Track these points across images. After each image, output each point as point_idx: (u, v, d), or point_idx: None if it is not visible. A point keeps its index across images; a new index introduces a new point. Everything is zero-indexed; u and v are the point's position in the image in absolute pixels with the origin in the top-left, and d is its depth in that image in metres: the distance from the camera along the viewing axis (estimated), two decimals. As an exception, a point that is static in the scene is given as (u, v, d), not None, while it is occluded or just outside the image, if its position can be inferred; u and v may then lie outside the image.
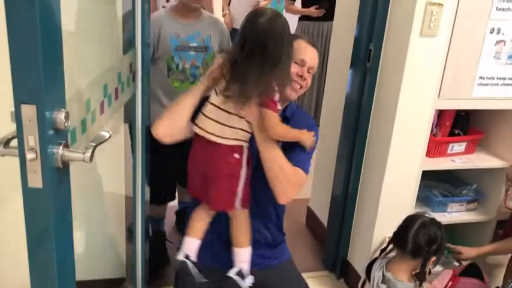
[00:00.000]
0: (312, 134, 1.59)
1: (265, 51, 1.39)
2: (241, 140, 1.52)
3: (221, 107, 1.45)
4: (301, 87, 1.66)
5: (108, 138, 0.96)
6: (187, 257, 1.62)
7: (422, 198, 2.35)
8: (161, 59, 2.11)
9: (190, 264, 1.61)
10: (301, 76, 1.63)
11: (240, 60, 1.41)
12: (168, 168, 2.03)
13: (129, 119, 1.73)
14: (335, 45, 2.66)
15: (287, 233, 1.93)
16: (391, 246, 1.92)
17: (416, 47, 1.86)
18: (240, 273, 1.64)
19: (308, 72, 1.65)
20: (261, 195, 1.64)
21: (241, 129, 1.49)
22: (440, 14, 1.83)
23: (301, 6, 4.41)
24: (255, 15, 1.44)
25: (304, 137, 1.57)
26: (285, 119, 1.72)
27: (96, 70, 1.24)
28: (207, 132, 1.47)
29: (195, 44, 2.16)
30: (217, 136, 1.48)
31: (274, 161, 1.53)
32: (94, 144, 0.91)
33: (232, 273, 1.62)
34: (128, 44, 1.60)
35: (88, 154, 0.89)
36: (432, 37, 1.85)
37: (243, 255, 1.66)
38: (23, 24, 0.75)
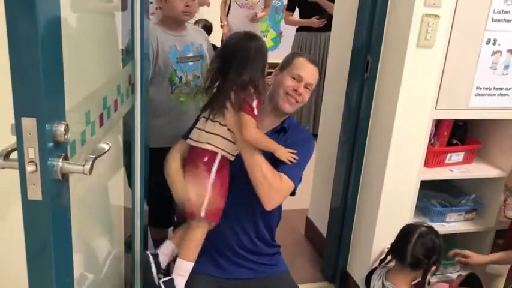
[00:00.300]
0: (288, 151, 1.67)
1: (232, 64, 1.60)
2: (217, 147, 1.65)
3: (209, 117, 1.67)
4: (296, 101, 1.74)
5: (107, 151, 0.96)
6: (155, 255, 1.73)
7: (421, 208, 2.35)
8: (162, 75, 2.08)
9: (152, 261, 1.71)
10: (296, 91, 1.73)
11: (214, 73, 1.68)
12: (165, 190, 2.02)
13: (128, 131, 1.72)
14: (333, 56, 2.68)
15: (285, 243, 1.94)
16: (389, 257, 1.92)
17: (413, 58, 1.87)
18: (170, 284, 1.68)
19: (306, 87, 1.75)
20: (248, 205, 1.70)
21: (219, 135, 1.65)
22: (436, 25, 1.84)
23: (299, 17, 4.44)
24: (229, 37, 1.70)
25: (280, 151, 1.65)
26: (282, 130, 1.75)
27: (96, 82, 1.24)
28: (189, 138, 1.71)
29: (191, 54, 2.17)
30: (194, 140, 1.69)
31: (256, 167, 1.62)
32: (93, 156, 0.92)
33: (161, 280, 1.68)
34: (127, 56, 1.61)
35: (87, 166, 0.89)
36: (429, 48, 1.87)
37: (183, 268, 1.70)
38: (23, 37, 0.76)
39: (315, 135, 2.87)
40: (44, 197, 0.85)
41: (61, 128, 0.85)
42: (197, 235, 1.72)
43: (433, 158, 2.21)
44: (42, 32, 0.77)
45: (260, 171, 1.61)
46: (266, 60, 1.66)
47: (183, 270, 1.70)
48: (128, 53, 1.60)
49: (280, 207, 1.88)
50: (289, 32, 7.21)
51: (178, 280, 1.68)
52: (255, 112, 1.61)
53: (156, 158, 1.88)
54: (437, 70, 1.92)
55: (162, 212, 2.32)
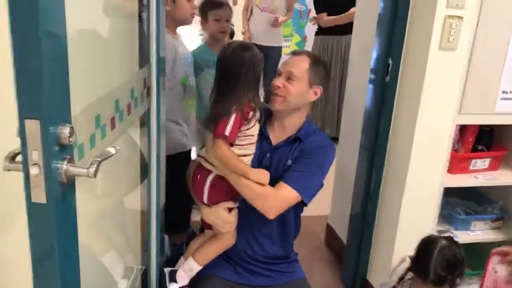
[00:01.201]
0: (264, 173, 1.61)
1: (223, 76, 1.59)
2: (211, 164, 1.66)
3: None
4: (279, 95, 1.68)
5: (113, 154, 0.95)
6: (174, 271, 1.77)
7: (445, 216, 2.28)
8: (176, 81, 2.10)
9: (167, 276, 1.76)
10: (277, 86, 1.69)
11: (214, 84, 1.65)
12: (182, 194, 2.04)
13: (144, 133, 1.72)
14: (353, 59, 2.63)
15: (305, 249, 1.92)
16: (410, 274, 1.85)
17: (436, 61, 1.81)
18: (172, 275, 1.75)
19: (289, 79, 1.67)
20: (262, 215, 1.65)
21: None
22: (460, 27, 1.79)
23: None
24: (224, 47, 1.66)
25: (253, 174, 1.59)
26: (297, 139, 1.71)
27: (108, 85, 1.24)
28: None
29: (189, 59, 2.30)
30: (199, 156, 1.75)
31: (243, 187, 1.60)
32: (99, 159, 0.91)
33: (167, 269, 1.76)
34: (143, 59, 1.60)
35: (92, 169, 0.88)
36: (452, 50, 1.81)
37: (189, 266, 1.75)
38: (25, 38, 0.75)
39: (337, 139, 2.83)
40: (48, 200, 0.84)
41: (66, 130, 0.84)
42: (216, 247, 1.74)
43: (457, 164, 2.13)
44: (45, 33, 0.76)
45: (248, 189, 1.60)
46: (259, 72, 1.60)
47: (188, 268, 1.74)
48: (143, 56, 1.60)
49: (298, 218, 1.85)
50: (313, 37, 7.20)
51: (181, 274, 1.73)
52: (227, 130, 1.54)
53: (172, 164, 1.89)
54: (460, 73, 1.86)
55: (179, 216, 2.32)
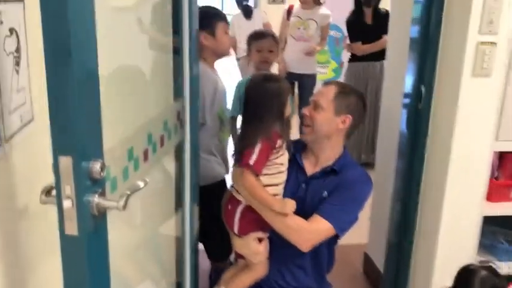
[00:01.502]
0: (290, 203, 1.59)
1: (247, 111, 1.65)
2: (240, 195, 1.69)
3: None
4: (308, 126, 1.72)
5: (142, 188, 0.98)
6: None
7: (488, 246, 2.20)
8: (214, 115, 2.15)
9: None
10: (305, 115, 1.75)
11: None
12: (222, 224, 2.05)
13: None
14: (387, 86, 2.62)
15: (342, 279, 1.90)
16: None
17: (469, 88, 1.79)
18: None
19: (316, 107, 1.71)
20: (294, 247, 1.65)
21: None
22: (494, 53, 1.76)
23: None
24: (250, 78, 1.74)
25: (276, 206, 1.58)
26: (332, 171, 1.70)
27: (141, 118, 1.29)
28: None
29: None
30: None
31: (275, 221, 1.60)
32: (128, 192, 0.94)
33: None
34: (177, 92, 1.66)
35: (121, 203, 0.91)
36: (486, 77, 1.78)
37: None
38: (59, 79, 0.80)
39: (372, 165, 2.80)
40: (80, 232, 0.88)
41: (97, 165, 0.88)
42: (248, 277, 1.75)
43: (496, 191, 2.06)
44: (78, 77, 0.81)
45: (281, 223, 1.60)
46: (283, 102, 1.62)
47: None
48: (177, 89, 1.66)
49: (332, 250, 1.84)
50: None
51: None
52: (252, 159, 1.56)
53: (211, 194, 1.92)
54: (496, 99, 1.83)
55: (220, 245, 2.34)
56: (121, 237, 1.39)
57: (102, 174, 0.90)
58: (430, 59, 1.94)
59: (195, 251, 1.87)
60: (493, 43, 1.75)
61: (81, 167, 0.85)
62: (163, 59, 1.60)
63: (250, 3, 6.03)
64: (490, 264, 1.72)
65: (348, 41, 4.44)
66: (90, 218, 0.90)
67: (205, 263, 2.50)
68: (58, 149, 0.84)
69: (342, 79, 6.50)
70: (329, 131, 1.71)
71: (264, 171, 1.61)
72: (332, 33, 6.73)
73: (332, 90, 1.71)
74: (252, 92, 1.64)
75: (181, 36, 1.59)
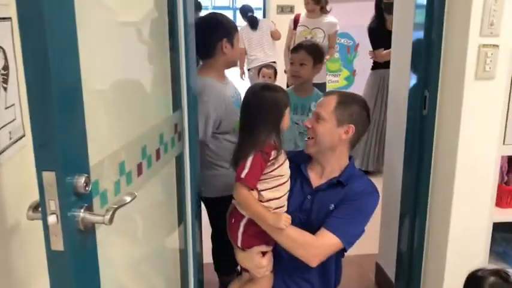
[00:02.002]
0: (284, 217, 1.56)
1: (243, 120, 1.64)
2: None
3: None
4: (311, 138, 1.70)
5: (128, 202, 0.97)
6: None
7: (500, 253, 2.14)
8: (227, 127, 2.11)
9: None
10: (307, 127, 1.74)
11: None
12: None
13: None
14: (392, 93, 2.59)
15: None
16: None
17: (472, 91, 1.75)
18: None
19: (318, 119, 1.69)
20: (301, 261, 1.62)
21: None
22: (496, 55, 1.73)
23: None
24: (249, 88, 1.71)
25: (271, 220, 1.56)
26: (339, 184, 1.67)
27: (134, 132, 1.29)
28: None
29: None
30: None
31: (281, 237, 1.58)
32: (115, 206, 0.94)
33: None
34: (174, 105, 1.66)
35: (107, 217, 0.91)
36: (490, 80, 1.75)
37: None
38: (39, 90, 0.80)
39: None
40: (66, 248, 0.87)
41: (81, 180, 0.88)
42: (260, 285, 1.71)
43: (506, 197, 2.01)
44: (57, 86, 0.81)
45: (287, 239, 1.58)
46: (279, 114, 1.59)
47: None
48: (174, 102, 1.65)
49: (339, 262, 1.81)
50: (362, 70, 7.16)
51: None
52: (243, 172, 1.55)
53: (219, 205, 1.91)
54: (501, 102, 1.79)
55: (226, 257, 2.32)
56: (123, 252, 1.39)
57: (87, 188, 0.89)
58: (433, 64, 1.91)
59: (199, 265, 1.86)
60: (495, 45, 1.71)
61: (65, 182, 0.85)
62: (159, 70, 1.60)
63: (259, 13, 6.06)
64: (499, 269, 1.67)
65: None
66: (76, 232, 0.89)
67: (215, 277, 2.48)
68: (41, 164, 0.84)
69: (356, 87, 6.48)
70: (332, 142, 1.68)
71: (264, 185, 1.59)
72: (343, 41, 6.72)
73: (333, 100, 1.67)
74: (248, 100, 1.62)
75: (177, 47, 1.59)
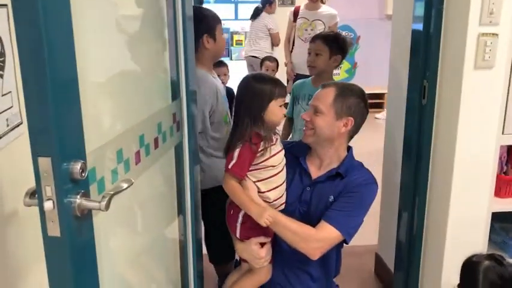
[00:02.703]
0: (266, 212, 1.55)
1: (234, 110, 1.63)
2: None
3: None
4: (310, 129, 1.68)
5: (125, 189, 0.98)
6: None
7: (499, 243, 2.14)
8: (219, 119, 2.13)
9: None
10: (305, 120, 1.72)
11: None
12: (225, 226, 2.05)
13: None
14: (391, 83, 2.59)
15: (354, 280, 1.86)
16: None
17: (471, 81, 1.75)
18: None
19: (316, 112, 1.67)
20: (301, 253, 1.62)
21: None
22: (496, 44, 1.72)
23: None
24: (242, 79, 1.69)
25: (253, 213, 1.56)
26: (338, 175, 1.67)
27: (132, 120, 1.28)
28: None
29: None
30: None
31: (281, 228, 1.58)
32: (112, 193, 0.94)
33: None
34: (173, 94, 1.65)
35: (104, 203, 0.91)
36: (489, 69, 1.74)
37: None
38: (33, 75, 0.80)
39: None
40: (63, 234, 0.88)
41: (77, 166, 0.88)
42: (251, 282, 1.73)
43: (506, 187, 2.01)
44: (52, 71, 0.80)
45: (288, 232, 1.58)
46: (262, 104, 1.57)
47: None
48: (173, 91, 1.65)
49: (339, 254, 1.82)
50: (363, 63, 7.14)
51: None
52: (231, 163, 1.57)
53: (215, 195, 1.91)
54: (500, 92, 1.78)
55: (222, 247, 2.33)
56: (122, 240, 1.39)
57: (83, 174, 0.90)
58: (432, 53, 1.90)
59: (198, 255, 1.86)
60: (494, 34, 1.71)
61: (61, 167, 0.85)
62: (158, 59, 1.60)
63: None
64: (493, 254, 1.67)
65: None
66: (73, 219, 0.89)
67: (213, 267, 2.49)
68: (37, 150, 0.84)
69: (357, 80, 6.47)
70: (331, 135, 1.67)
71: (257, 176, 1.59)
72: (344, 33, 6.70)
73: (331, 93, 1.65)
74: (238, 90, 1.62)
75: (176, 37, 1.59)
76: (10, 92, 1.02)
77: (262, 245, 1.67)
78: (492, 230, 2.02)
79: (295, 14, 4.46)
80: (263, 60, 4.45)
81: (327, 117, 1.64)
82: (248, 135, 1.55)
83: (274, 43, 5.57)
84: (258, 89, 1.57)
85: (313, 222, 1.63)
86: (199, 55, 2.09)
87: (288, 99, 2.54)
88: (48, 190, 0.86)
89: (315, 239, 1.58)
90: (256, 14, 5.57)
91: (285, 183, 1.68)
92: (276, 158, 1.61)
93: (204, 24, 2.08)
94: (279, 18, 5.58)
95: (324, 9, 4.40)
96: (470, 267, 1.63)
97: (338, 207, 1.62)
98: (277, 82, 1.61)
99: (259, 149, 1.56)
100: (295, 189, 1.71)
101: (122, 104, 1.28)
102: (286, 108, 1.63)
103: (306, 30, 4.30)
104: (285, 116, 1.65)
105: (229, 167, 1.56)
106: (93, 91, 1.10)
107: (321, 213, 1.64)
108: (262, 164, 1.59)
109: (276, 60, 4.45)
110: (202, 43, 2.09)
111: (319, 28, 4.30)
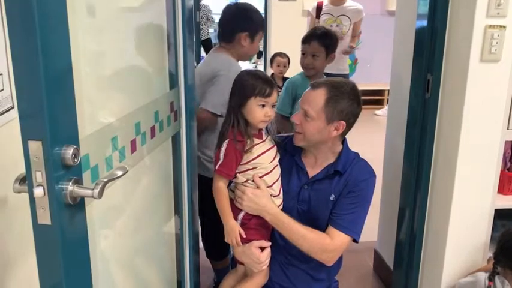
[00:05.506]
0: (233, 234, 1.55)
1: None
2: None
3: None
4: (299, 133, 1.61)
5: (120, 176, 0.93)
6: None
7: (500, 240, 2.11)
8: None
9: None
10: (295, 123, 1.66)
11: None
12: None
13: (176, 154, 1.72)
14: (394, 76, 2.55)
15: (353, 277, 1.85)
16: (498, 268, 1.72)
17: (477, 74, 1.71)
18: None
19: (306, 116, 1.60)
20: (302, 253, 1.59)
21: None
22: (503, 37, 1.68)
23: None
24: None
25: (227, 224, 1.56)
26: (336, 173, 1.62)
27: (128, 107, 1.24)
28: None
29: None
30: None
31: (296, 236, 1.55)
32: (105, 180, 0.90)
33: None
34: (171, 83, 1.61)
35: (96, 190, 0.87)
36: (495, 62, 1.71)
37: None
38: (24, 56, 0.76)
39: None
40: (54, 222, 0.83)
41: (70, 151, 0.84)
42: (255, 281, 1.67)
43: (509, 184, 1.98)
44: (45, 50, 0.76)
45: (305, 242, 1.55)
46: (242, 98, 1.50)
47: None
48: (171, 79, 1.61)
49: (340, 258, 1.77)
50: (364, 59, 7.09)
51: None
52: (218, 163, 1.51)
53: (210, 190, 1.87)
54: (506, 86, 1.74)
55: (219, 242, 2.30)
56: (116, 233, 1.35)
57: (76, 160, 0.85)
58: (437, 45, 1.86)
59: (195, 249, 1.83)
60: (502, 26, 1.67)
61: (53, 152, 0.81)
62: (156, 47, 1.55)
63: (261, 1, 5.95)
64: None
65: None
66: (64, 206, 0.85)
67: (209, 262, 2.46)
68: (27, 133, 0.79)
69: (358, 76, 6.42)
70: (321, 139, 1.59)
71: (246, 176, 1.55)
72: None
73: (322, 96, 1.54)
74: (233, 84, 1.58)
75: (175, 24, 1.55)
76: (1, 74, 0.98)
77: (262, 249, 1.61)
78: (494, 226, 1.98)
79: (318, 9, 4.27)
80: (274, 55, 4.35)
81: (317, 122, 1.54)
82: (232, 131, 1.50)
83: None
84: (243, 81, 1.52)
85: (314, 221, 1.60)
86: (229, 47, 2.17)
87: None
88: (39, 176, 0.81)
89: (330, 249, 1.56)
90: None
91: (279, 182, 1.62)
92: (265, 156, 1.55)
93: (251, 23, 2.14)
94: (279, 14, 5.44)
95: (350, 3, 4.20)
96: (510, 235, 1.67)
97: (345, 211, 1.58)
98: (265, 81, 1.51)
99: (247, 148, 1.51)
100: (293, 188, 1.65)
101: (117, 90, 1.24)
102: (273, 113, 1.55)
103: (331, 26, 4.09)
104: (265, 121, 1.54)
105: (217, 167, 1.51)
106: (88, 77, 1.06)
107: (321, 211, 1.60)
108: (251, 163, 1.53)
109: (287, 56, 4.35)
110: (240, 38, 2.13)
111: (345, 24, 4.14)
